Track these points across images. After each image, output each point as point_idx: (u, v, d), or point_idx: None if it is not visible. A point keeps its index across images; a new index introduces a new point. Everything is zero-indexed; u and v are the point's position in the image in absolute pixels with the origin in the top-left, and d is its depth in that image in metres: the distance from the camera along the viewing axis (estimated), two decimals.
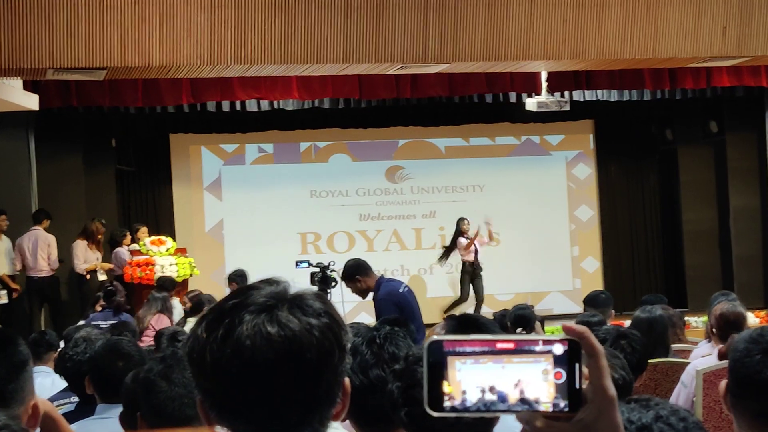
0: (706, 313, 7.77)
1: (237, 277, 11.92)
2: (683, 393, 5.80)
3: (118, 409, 3.46)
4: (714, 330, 6.26)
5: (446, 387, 1.26)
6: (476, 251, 14.88)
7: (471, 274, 14.86)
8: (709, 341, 6.63)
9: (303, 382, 1.51)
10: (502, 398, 1.25)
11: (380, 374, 2.72)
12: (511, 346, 1.27)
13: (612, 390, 1.26)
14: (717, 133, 16.18)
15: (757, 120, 15.55)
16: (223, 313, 1.52)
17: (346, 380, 1.59)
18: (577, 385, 1.26)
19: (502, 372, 1.26)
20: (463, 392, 1.26)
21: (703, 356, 6.29)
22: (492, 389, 1.26)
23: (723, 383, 2.42)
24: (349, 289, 8.55)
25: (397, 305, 7.79)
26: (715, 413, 5.78)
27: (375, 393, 2.70)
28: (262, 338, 1.49)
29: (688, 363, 6.13)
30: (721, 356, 5.80)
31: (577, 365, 1.26)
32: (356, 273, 8.12)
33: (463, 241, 14.87)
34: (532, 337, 1.27)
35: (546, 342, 1.27)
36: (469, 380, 1.26)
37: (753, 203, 15.83)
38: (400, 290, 8.01)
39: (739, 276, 15.80)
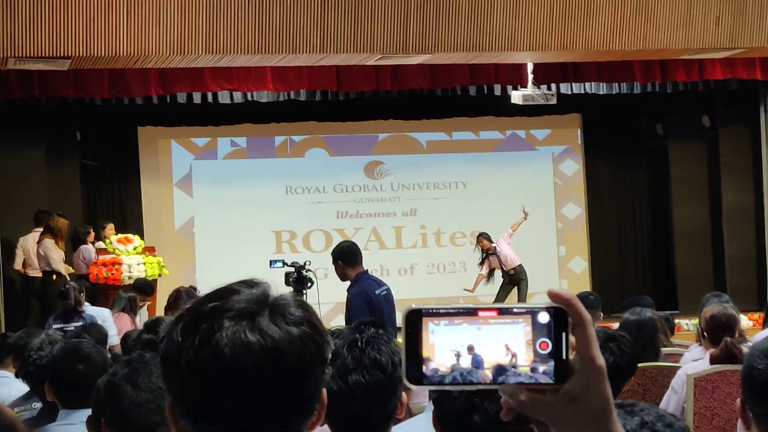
0: (698, 315, 7.80)
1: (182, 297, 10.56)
2: (673, 399, 5.82)
3: (81, 414, 3.44)
4: (705, 333, 6.29)
5: (423, 354, 1.25)
6: (499, 259, 14.69)
7: (509, 283, 14.70)
8: (700, 344, 6.65)
9: (282, 392, 1.52)
10: (478, 362, 1.25)
11: (360, 380, 2.71)
12: (493, 314, 1.27)
13: (600, 360, 1.25)
14: (709, 128, 16.24)
15: (751, 114, 15.61)
16: (201, 316, 1.52)
17: (323, 391, 1.60)
18: (564, 356, 1.25)
19: (477, 334, 1.26)
20: (437, 356, 1.25)
21: (694, 360, 6.31)
22: (468, 351, 1.25)
23: (738, 401, 2.42)
24: (325, 291, 8.55)
25: (368, 305, 7.84)
26: (706, 420, 5.81)
27: (354, 399, 2.69)
28: (242, 346, 1.49)
29: (678, 367, 6.16)
30: (713, 360, 5.83)
31: (563, 335, 1.25)
32: (339, 257, 8.20)
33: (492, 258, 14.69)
34: (517, 305, 1.27)
35: (531, 310, 1.26)
36: (443, 343, 1.25)
37: (746, 200, 15.89)
38: (377, 292, 8.02)
39: (732, 277, 15.85)
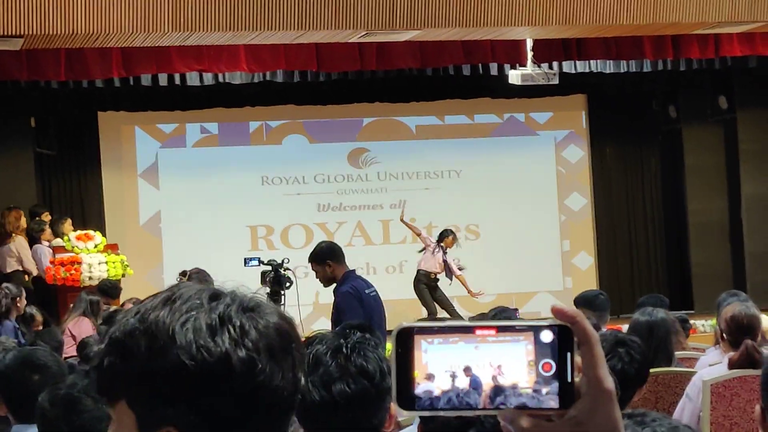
0: (715, 316, 7.83)
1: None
2: (688, 407, 5.84)
3: (37, 430, 3.43)
4: (724, 335, 6.31)
5: (415, 374, 1.26)
6: (438, 262, 14.72)
7: (426, 287, 14.73)
8: (718, 348, 6.69)
9: (296, 380, 1.55)
10: (476, 384, 1.25)
11: (344, 390, 2.70)
12: (492, 333, 1.27)
13: (609, 382, 1.26)
14: (727, 110, 16.27)
15: None
16: (221, 320, 1.50)
17: None
18: (569, 378, 1.26)
19: (475, 353, 1.26)
20: (431, 377, 1.26)
21: (711, 365, 6.34)
22: (464, 372, 1.26)
23: (758, 409, 2.43)
24: (304, 292, 8.56)
25: (360, 302, 7.88)
26: (724, 429, 5.83)
27: (338, 411, 2.69)
28: (278, 333, 1.52)
29: (693, 372, 6.18)
30: (732, 365, 5.85)
31: (568, 355, 1.26)
32: (328, 257, 8.23)
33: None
34: (516, 323, 1.27)
35: (533, 328, 1.27)
36: (437, 363, 1.26)
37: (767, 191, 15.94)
38: (367, 291, 8.07)
39: (753, 274, 15.89)
